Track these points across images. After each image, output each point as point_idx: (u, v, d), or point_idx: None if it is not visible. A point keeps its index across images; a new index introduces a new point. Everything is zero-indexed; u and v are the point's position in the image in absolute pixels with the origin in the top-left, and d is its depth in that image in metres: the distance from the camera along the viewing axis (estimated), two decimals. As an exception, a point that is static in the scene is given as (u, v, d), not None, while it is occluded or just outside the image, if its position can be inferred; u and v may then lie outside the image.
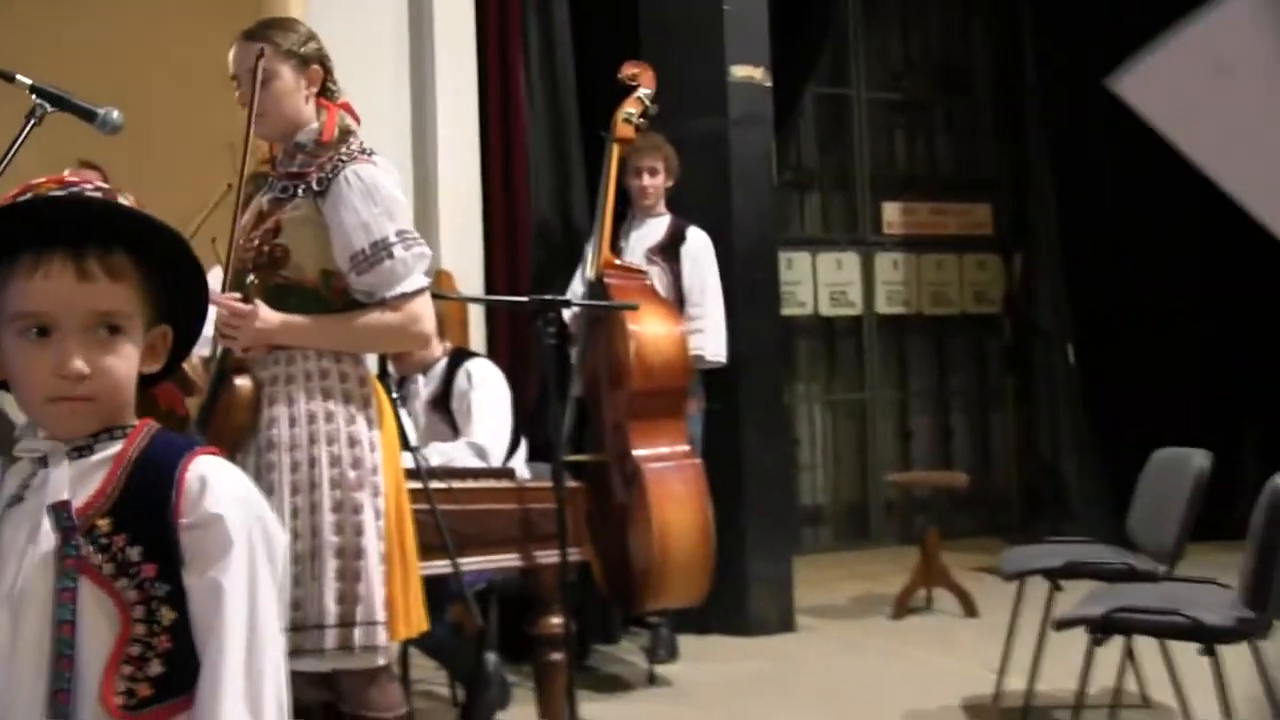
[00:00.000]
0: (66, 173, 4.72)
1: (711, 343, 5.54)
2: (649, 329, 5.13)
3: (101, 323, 1.50)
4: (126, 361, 1.53)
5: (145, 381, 1.59)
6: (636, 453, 5.07)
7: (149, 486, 1.52)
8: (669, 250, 5.59)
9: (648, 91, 5.43)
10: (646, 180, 5.59)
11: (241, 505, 1.53)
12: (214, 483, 1.53)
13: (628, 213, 5.65)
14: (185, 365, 3.90)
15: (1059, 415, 8.51)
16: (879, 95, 9.09)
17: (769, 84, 6.21)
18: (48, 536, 1.49)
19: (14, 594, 1.49)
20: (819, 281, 8.68)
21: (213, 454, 1.57)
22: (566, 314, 5.27)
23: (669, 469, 5.11)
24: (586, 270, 5.39)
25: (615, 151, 5.39)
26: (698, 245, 5.60)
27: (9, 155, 2.78)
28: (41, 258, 1.49)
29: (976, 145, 9.42)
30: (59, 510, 1.50)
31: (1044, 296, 8.63)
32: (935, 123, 9.42)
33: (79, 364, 1.48)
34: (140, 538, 1.49)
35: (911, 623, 6.28)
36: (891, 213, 8.99)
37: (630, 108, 5.39)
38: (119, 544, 1.49)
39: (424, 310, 3.07)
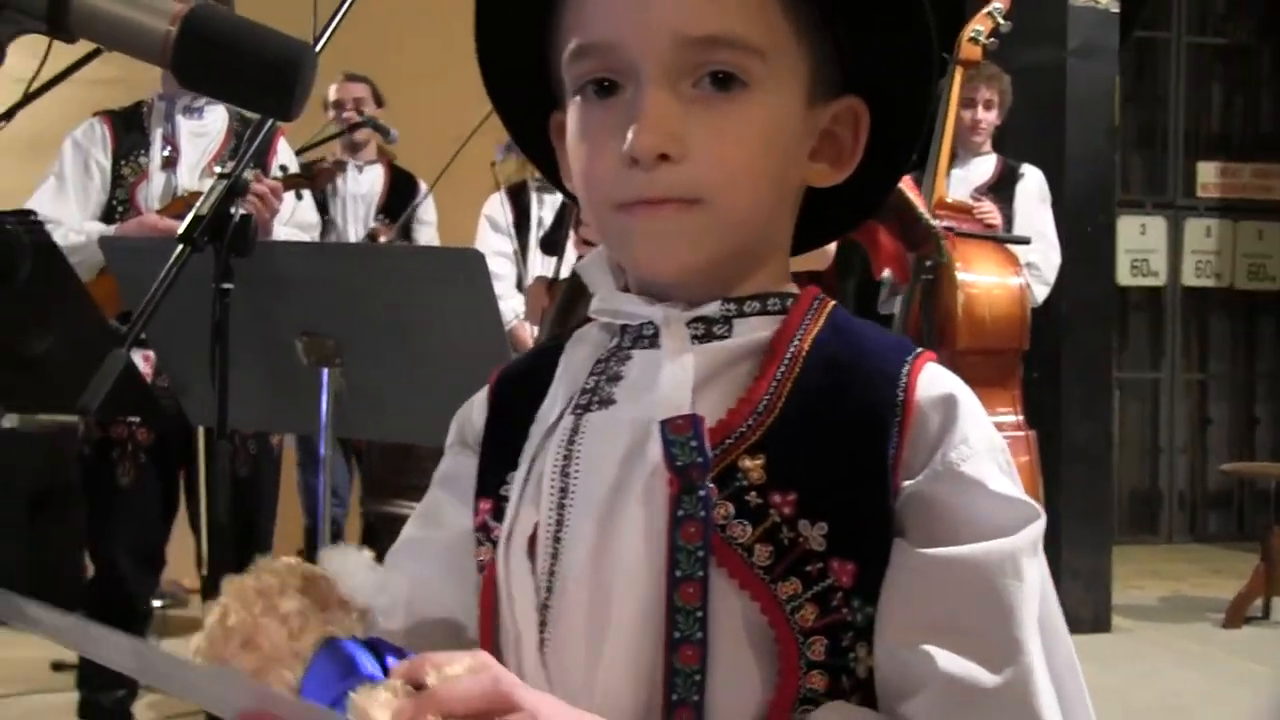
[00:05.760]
0: (333, 88, 4.33)
1: (1040, 295, 4.90)
2: (983, 280, 4.48)
3: (705, 63, 0.84)
4: (760, 136, 0.85)
5: (830, 208, 0.96)
6: (959, 420, 4.46)
7: (839, 405, 0.85)
8: (1000, 190, 4.95)
9: (1000, 7, 4.73)
10: (980, 113, 4.96)
11: (1006, 473, 0.85)
12: (968, 413, 0.85)
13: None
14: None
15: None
16: (1198, 40, 8.15)
17: (1116, 9, 5.47)
18: (654, 476, 0.85)
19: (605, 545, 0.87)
20: (1118, 247, 7.84)
21: (935, 359, 0.89)
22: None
23: (994, 441, 4.49)
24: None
25: (958, 76, 4.73)
26: (1035, 183, 4.97)
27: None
28: None
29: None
30: (678, 432, 0.83)
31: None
32: (1261, 71, 8.41)
33: (654, 135, 0.83)
34: (823, 502, 0.83)
35: (1250, 634, 5.50)
36: (1207, 173, 8.09)
37: (979, 25, 4.71)
38: (783, 509, 0.83)
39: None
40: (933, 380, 0.86)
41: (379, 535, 4.33)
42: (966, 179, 5.02)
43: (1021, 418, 4.57)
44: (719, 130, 0.84)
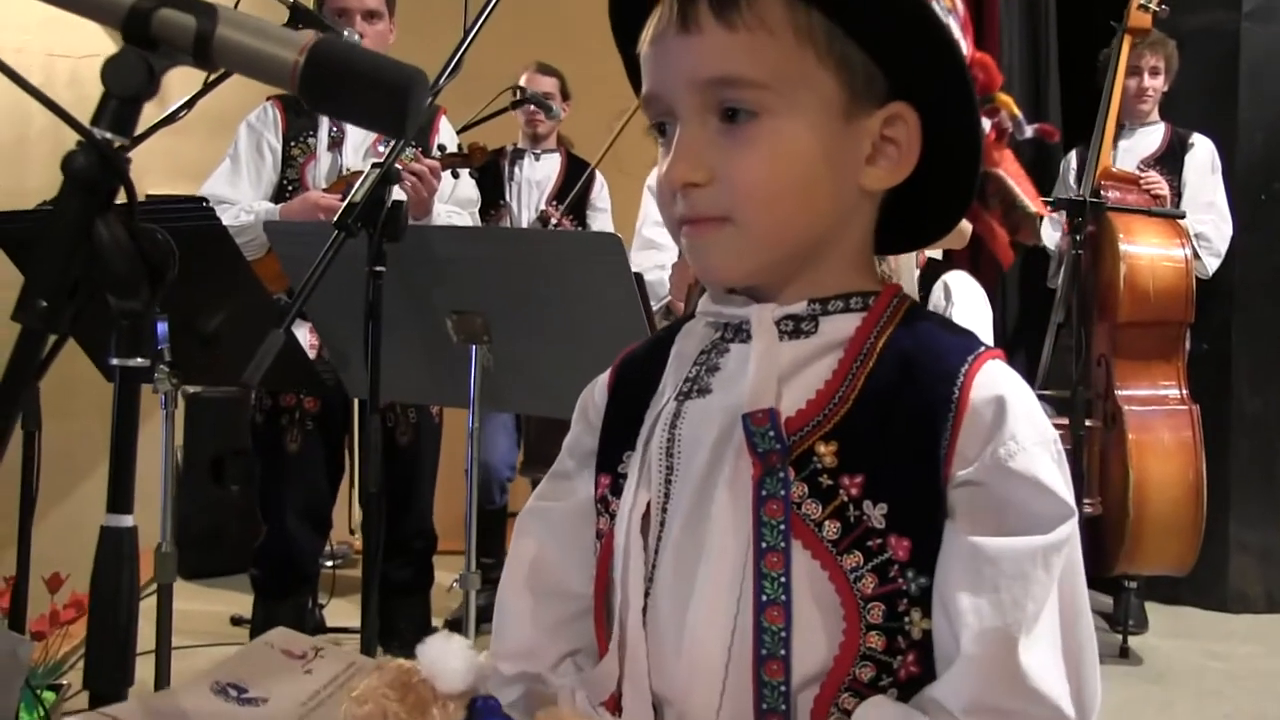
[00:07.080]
0: (523, 76, 4.34)
1: (1211, 267, 4.79)
2: (1146, 251, 4.40)
3: (723, 100, 0.96)
4: (772, 157, 0.95)
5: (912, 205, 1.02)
6: (1120, 392, 4.41)
7: (904, 399, 0.94)
8: (1169, 161, 4.84)
9: (1171, -28, 4.63)
10: (1147, 81, 4.86)
11: (1056, 462, 0.93)
12: (1017, 412, 0.93)
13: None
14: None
15: None
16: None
17: (1296, -32, 5.25)
18: (740, 459, 0.97)
19: (697, 525, 0.99)
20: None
21: (1001, 358, 0.97)
22: (1054, 233, 4.64)
23: (1156, 414, 4.44)
24: (1070, 180, 4.73)
25: (1126, 45, 4.64)
26: (1205, 153, 4.84)
27: None
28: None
29: None
30: (758, 424, 0.94)
31: None
32: None
33: (680, 167, 0.96)
34: (884, 486, 0.93)
35: None
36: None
37: (1148, -9, 4.61)
38: (850, 490, 0.94)
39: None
40: (988, 380, 0.94)
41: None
42: (1134, 149, 4.92)
43: (1185, 391, 4.49)
44: (737, 156, 0.95)
